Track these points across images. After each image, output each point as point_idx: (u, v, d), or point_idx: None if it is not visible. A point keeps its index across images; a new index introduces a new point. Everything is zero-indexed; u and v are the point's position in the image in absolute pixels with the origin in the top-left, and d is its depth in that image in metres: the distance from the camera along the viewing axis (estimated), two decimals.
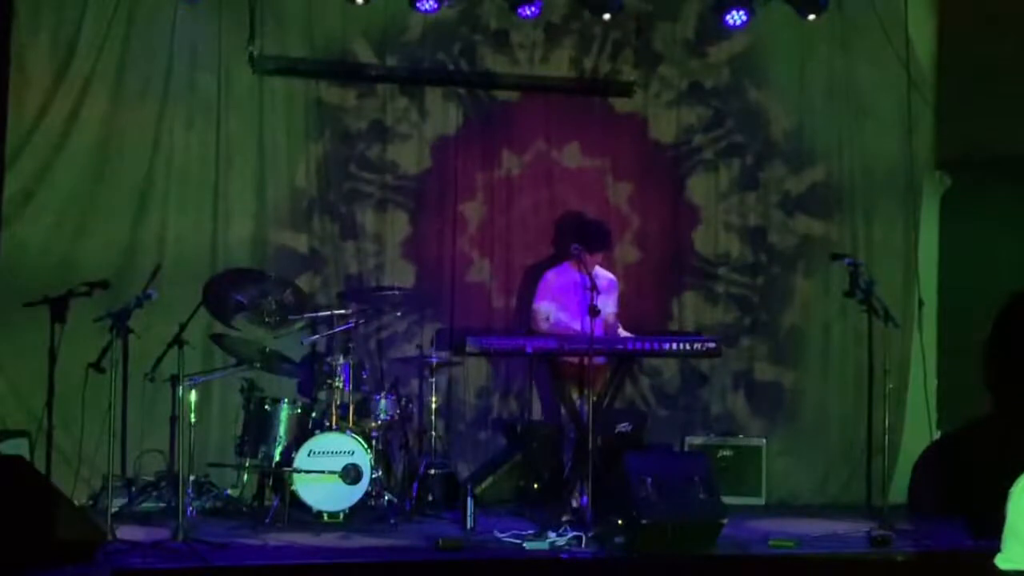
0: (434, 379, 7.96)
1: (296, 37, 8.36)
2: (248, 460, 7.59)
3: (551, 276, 7.66)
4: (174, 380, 7.20)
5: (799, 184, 9.00)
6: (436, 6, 8.21)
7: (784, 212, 8.98)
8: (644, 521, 6.41)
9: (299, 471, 7.18)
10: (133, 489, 7.50)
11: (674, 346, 7.31)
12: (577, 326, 7.36)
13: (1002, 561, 3.04)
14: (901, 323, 7.97)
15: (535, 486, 7.93)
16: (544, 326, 7.49)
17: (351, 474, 7.24)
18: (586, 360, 7.00)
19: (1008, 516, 3.01)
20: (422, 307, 8.46)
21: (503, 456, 8.35)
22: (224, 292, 7.59)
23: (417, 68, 8.56)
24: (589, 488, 6.86)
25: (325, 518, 7.23)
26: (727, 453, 8.46)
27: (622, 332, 7.63)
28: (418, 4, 8.19)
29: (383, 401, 7.70)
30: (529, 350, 7.08)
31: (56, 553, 5.80)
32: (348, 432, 7.37)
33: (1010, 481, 3.21)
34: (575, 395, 7.23)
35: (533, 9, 8.35)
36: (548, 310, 7.53)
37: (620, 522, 6.55)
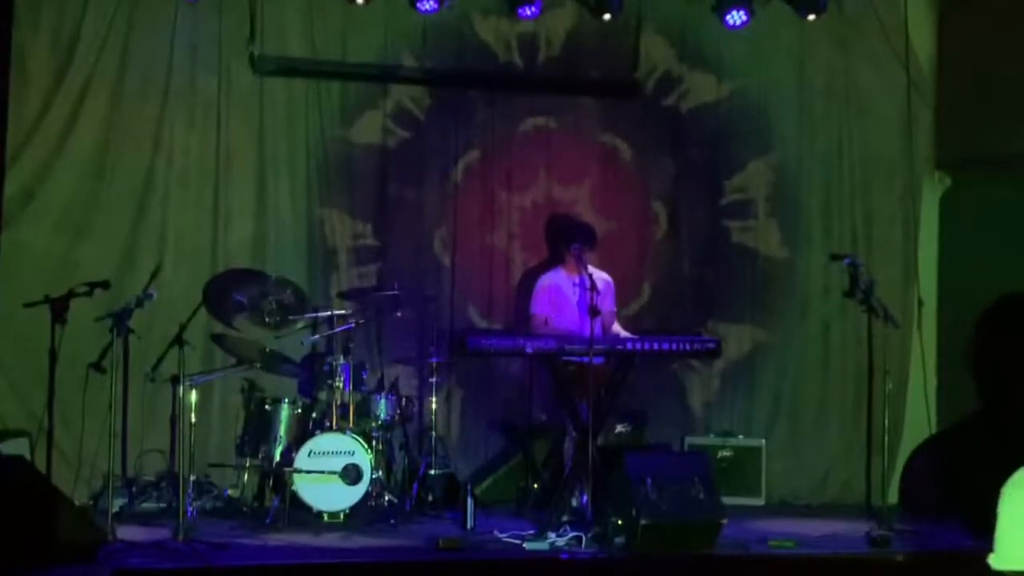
0: (434, 379, 7.97)
1: (296, 37, 8.35)
2: (248, 460, 7.59)
3: (544, 282, 7.65)
4: (174, 380, 7.19)
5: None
6: (436, 6, 8.21)
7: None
8: (644, 521, 6.40)
9: (299, 471, 7.17)
10: (134, 489, 7.49)
11: (674, 346, 7.31)
12: (574, 328, 7.37)
13: (996, 561, 3.01)
14: (901, 323, 7.96)
15: (535, 486, 7.93)
16: (543, 331, 7.48)
17: (351, 474, 7.24)
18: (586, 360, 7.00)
19: (1000, 515, 2.98)
20: (422, 307, 8.45)
21: (503, 456, 8.36)
22: (224, 292, 7.59)
23: (416, 68, 8.55)
24: (589, 488, 6.85)
25: (325, 518, 7.23)
26: (727, 453, 8.46)
27: (622, 332, 7.63)
28: (418, 4, 8.19)
29: (383, 401, 7.70)
30: (529, 350, 7.06)
31: (57, 553, 5.80)
32: (348, 432, 7.38)
33: (1004, 478, 3.18)
34: (575, 395, 7.23)
35: (533, 9, 8.34)
36: (544, 317, 7.54)
37: (620, 522, 6.54)
